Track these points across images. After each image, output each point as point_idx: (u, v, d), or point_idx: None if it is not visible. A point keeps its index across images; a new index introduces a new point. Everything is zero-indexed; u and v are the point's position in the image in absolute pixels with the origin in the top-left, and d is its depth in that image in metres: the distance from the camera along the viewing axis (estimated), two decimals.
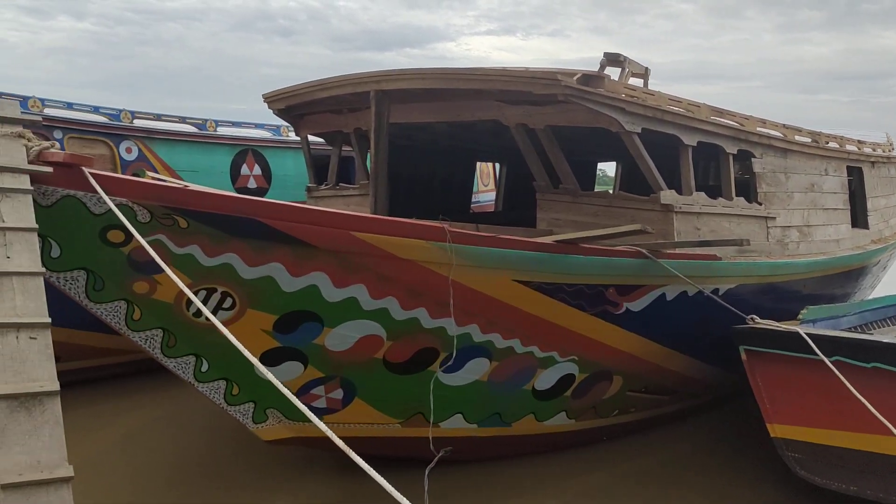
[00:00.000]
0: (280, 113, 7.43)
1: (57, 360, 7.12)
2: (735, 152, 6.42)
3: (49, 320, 2.55)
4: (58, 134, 7.10)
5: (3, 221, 2.96)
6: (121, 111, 7.82)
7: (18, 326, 2.48)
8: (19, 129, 3.71)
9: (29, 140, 3.65)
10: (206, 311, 3.04)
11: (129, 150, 7.73)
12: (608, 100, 5.39)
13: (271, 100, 7.26)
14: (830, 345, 4.86)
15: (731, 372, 7.19)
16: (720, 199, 6.22)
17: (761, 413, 5.24)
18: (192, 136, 8.45)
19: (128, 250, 3.97)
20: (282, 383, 4.74)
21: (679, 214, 5.72)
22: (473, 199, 11.81)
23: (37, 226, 3.04)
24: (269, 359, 4.64)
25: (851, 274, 8.38)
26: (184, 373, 4.49)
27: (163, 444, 6.26)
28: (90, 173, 3.61)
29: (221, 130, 8.89)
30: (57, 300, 6.77)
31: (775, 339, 5.08)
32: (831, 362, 4.74)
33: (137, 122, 7.97)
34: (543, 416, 5.76)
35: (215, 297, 4.28)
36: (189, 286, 4.17)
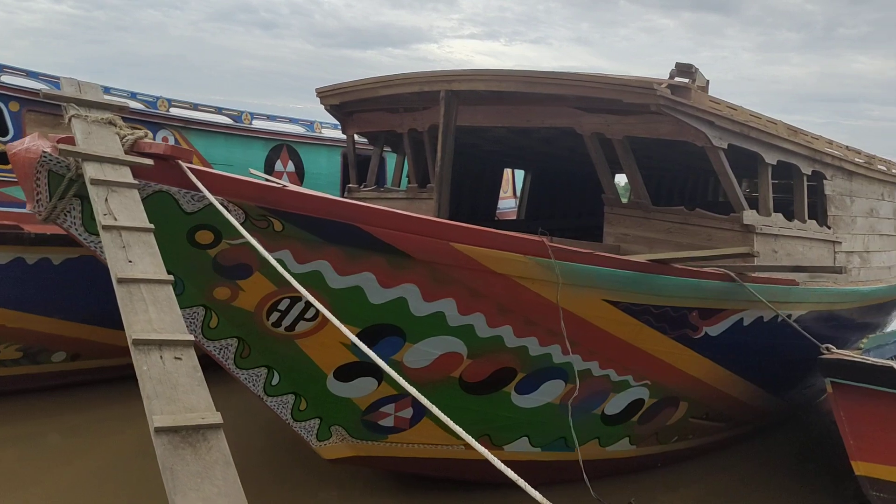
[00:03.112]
0: (332, 109, 7.09)
1: (77, 357, 6.82)
2: (809, 173, 6.21)
3: (192, 337, 2.23)
4: None
5: (116, 220, 2.63)
6: (157, 98, 7.45)
7: (160, 344, 2.15)
8: (108, 115, 3.38)
9: (121, 128, 3.32)
10: (365, 348, 2.70)
11: (165, 140, 7.36)
12: (699, 112, 5.15)
13: (325, 95, 6.93)
14: None
15: (785, 399, 7.01)
16: (795, 221, 5.99)
17: (845, 449, 4.99)
18: (229, 129, 8.10)
19: (214, 253, 3.65)
20: (352, 400, 4.53)
21: (759, 236, 5.48)
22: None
23: (152, 225, 2.71)
24: (344, 373, 4.35)
25: None
26: (254, 385, 4.17)
27: None
28: (189, 168, 3.28)
29: (256, 124, 8.54)
30: (79, 295, 6.48)
31: (867, 372, 4.83)
32: None
33: (174, 111, 7.60)
34: (607, 441, 5.50)
35: (298, 306, 3.97)
36: (273, 293, 3.90)
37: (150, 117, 7.28)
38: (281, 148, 8.65)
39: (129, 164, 3.04)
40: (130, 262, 2.44)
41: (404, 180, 8.36)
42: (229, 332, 3.94)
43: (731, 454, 6.66)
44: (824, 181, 6.44)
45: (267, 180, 3.74)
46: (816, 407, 8.53)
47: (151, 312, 2.26)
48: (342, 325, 2.81)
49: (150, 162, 3.12)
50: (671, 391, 5.44)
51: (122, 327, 6.62)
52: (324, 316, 4.01)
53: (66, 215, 3.22)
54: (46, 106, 6.59)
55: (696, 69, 6.34)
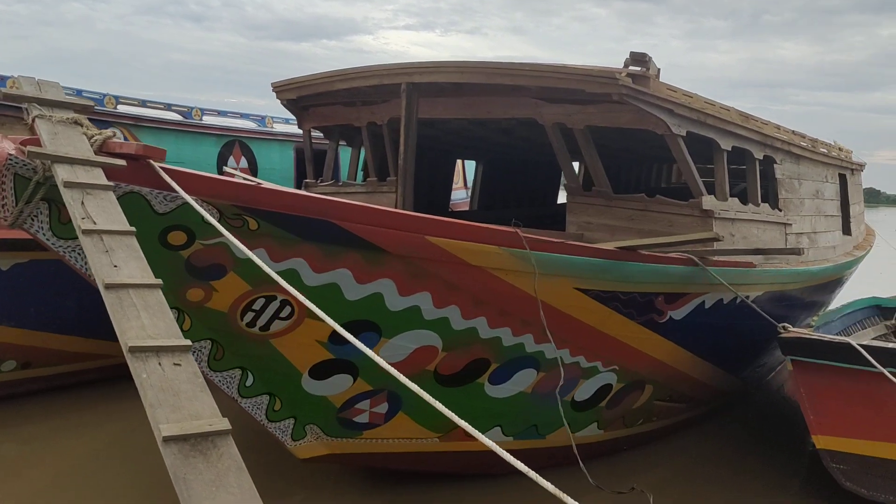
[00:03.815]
0: (289, 103, 6.98)
1: (28, 365, 6.60)
2: (761, 157, 6.38)
3: (189, 342, 2.17)
4: None
5: (95, 223, 2.54)
6: (104, 95, 7.21)
7: (157, 350, 2.09)
8: (72, 114, 3.27)
9: (87, 128, 3.21)
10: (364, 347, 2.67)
11: None
12: (659, 101, 5.24)
13: (281, 89, 6.81)
14: (884, 356, 4.81)
15: (740, 378, 7.21)
16: (750, 205, 6.15)
17: (806, 424, 5.16)
18: (180, 125, 7.89)
19: (187, 254, 3.56)
20: (328, 398, 4.49)
21: (718, 220, 5.61)
22: None
23: (133, 228, 2.63)
24: (319, 371, 4.31)
25: (841, 280, 8.54)
26: (228, 388, 4.09)
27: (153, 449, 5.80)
28: (162, 168, 3.19)
29: (207, 119, 8.34)
30: (29, 301, 6.27)
31: (826, 349, 5.00)
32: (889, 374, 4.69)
33: (122, 108, 7.36)
34: (577, 427, 5.56)
35: (273, 306, 3.91)
36: (247, 293, 3.83)
37: (97, 115, 7.04)
38: (233, 144, 8.48)
39: (100, 165, 2.94)
40: (116, 266, 2.36)
41: (359, 174, 8.31)
42: (202, 334, 3.85)
43: (691, 435, 6.81)
44: (775, 165, 6.63)
45: (235, 177, 3.67)
46: (766, 385, 8.81)
47: (144, 318, 2.20)
48: (328, 318, 2.78)
49: (122, 163, 3.02)
50: (637, 375, 5.54)
51: (75, 333, 6.43)
52: (299, 314, 4.01)
53: (33, 220, 3.10)
54: None
55: (650, 58, 6.42)
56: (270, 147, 8.98)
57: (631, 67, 6.40)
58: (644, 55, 6.41)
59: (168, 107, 8.04)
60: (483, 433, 5.29)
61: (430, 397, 2.51)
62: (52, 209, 3.13)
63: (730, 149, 5.92)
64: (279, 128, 9.33)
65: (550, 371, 4.98)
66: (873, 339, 7.34)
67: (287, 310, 3.94)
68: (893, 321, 8.11)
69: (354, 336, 4.15)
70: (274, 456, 5.30)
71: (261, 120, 9.11)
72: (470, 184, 14.18)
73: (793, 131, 7.30)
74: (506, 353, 4.69)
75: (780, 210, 6.60)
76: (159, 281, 2.39)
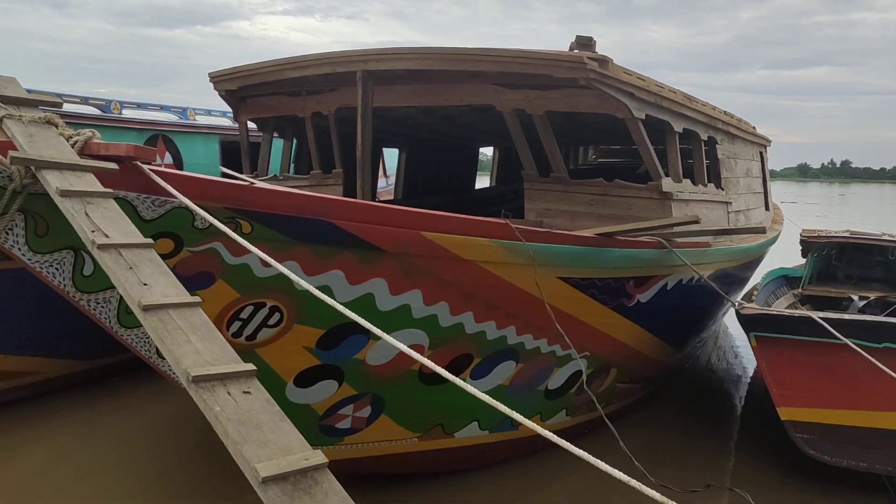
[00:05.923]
0: (227, 94, 6.57)
1: None
2: (706, 138, 6.50)
3: (253, 367, 1.95)
4: None
5: (108, 237, 2.26)
6: None
7: (222, 378, 1.87)
8: (43, 113, 2.92)
9: (62, 128, 2.88)
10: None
11: None
12: (621, 84, 5.23)
13: (221, 79, 6.40)
14: (844, 328, 5.00)
15: (684, 355, 7.40)
16: (699, 185, 6.26)
17: (770, 397, 5.32)
18: (100, 120, 7.30)
19: (174, 263, 3.26)
20: (311, 406, 4.26)
21: (675, 202, 5.68)
22: None
23: (151, 240, 2.37)
24: (305, 379, 4.08)
25: (764, 254, 8.89)
26: None
27: (91, 461, 5.43)
28: (153, 171, 2.89)
29: (127, 113, 7.78)
30: None
31: (789, 324, 5.17)
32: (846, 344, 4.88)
33: None
34: (548, 415, 5.54)
35: (262, 313, 3.66)
36: (236, 301, 3.58)
37: None
38: (156, 138, 7.94)
39: (90, 169, 2.63)
40: (146, 285, 2.10)
41: (291, 167, 7.98)
42: None
43: (646, 412, 6.93)
44: (717, 146, 6.78)
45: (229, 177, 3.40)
46: (696, 358, 9.12)
47: (195, 342, 1.96)
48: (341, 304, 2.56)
49: (114, 166, 2.71)
50: (605, 359, 5.56)
51: (4, 351, 5.82)
52: (288, 320, 3.77)
53: (7, 234, 2.74)
54: None
55: (595, 41, 6.40)
56: (195, 140, 8.47)
57: (576, 51, 6.35)
58: (590, 39, 6.37)
59: (85, 100, 7.45)
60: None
61: (487, 397, 2.35)
62: (29, 221, 2.78)
63: (681, 130, 5.99)
64: (201, 120, 8.83)
65: (529, 362, 4.92)
66: (786, 307, 7.67)
67: (276, 316, 3.69)
68: (800, 290, 8.49)
69: (342, 339, 4.01)
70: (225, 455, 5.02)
71: (182, 112, 8.58)
72: (389, 172, 13.97)
73: (724, 111, 7.49)
74: (489, 346, 4.59)
75: (723, 189, 6.77)
76: (198, 298, 2.14)
